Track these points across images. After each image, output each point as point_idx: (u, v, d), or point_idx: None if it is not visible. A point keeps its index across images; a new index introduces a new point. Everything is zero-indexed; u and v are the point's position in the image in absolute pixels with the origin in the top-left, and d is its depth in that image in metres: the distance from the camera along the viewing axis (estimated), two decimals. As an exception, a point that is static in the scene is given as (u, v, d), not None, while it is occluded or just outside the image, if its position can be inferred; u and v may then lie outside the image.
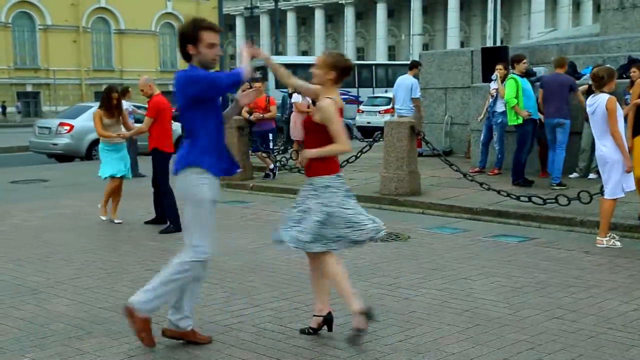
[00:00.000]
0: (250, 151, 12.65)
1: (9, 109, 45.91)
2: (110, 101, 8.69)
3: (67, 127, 17.33)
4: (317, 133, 4.31)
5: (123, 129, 8.76)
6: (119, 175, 8.76)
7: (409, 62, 15.03)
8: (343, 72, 4.34)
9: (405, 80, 13.65)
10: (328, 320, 4.49)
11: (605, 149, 6.89)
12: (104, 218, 8.77)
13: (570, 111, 9.80)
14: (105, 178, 8.83)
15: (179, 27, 4.28)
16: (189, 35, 4.15)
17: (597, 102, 6.89)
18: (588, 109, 7.06)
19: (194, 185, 4.21)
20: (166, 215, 8.26)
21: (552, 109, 9.79)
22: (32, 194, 11.31)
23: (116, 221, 8.65)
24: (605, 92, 6.91)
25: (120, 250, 7.23)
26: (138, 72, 50.44)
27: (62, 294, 5.53)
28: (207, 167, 4.21)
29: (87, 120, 16.57)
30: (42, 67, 49.39)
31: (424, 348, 4.28)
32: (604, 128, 6.88)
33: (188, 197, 4.29)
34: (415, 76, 13.78)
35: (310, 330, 4.50)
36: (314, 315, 4.53)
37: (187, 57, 4.21)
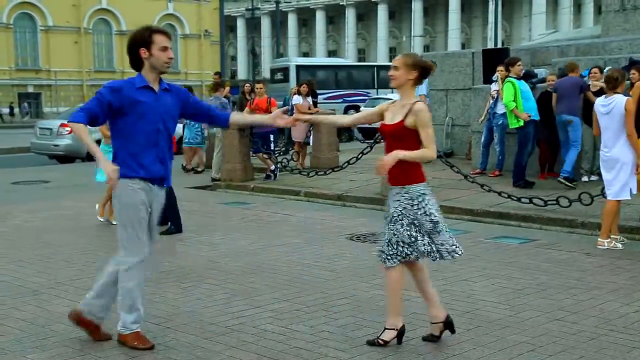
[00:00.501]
0: (251, 152, 12.66)
1: (6, 110, 45.95)
2: None
3: (68, 129, 17.33)
4: (406, 138, 4.16)
5: None
6: None
7: None
8: (424, 73, 4.24)
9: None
10: (449, 323, 4.37)
11: (617, 149, 6.89)
12: (101, 219, 8.76)
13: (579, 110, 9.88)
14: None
15: (130, 34, 4.32)
16: (142, 39, 4.17)
17: (614, 103, 6.91)
18: (602, 109, 7.05)
19: None
20: (167, 216, 8.25)
21: (562, 107, 9.89)
22: (34, 195, 11.31)
23: (114, 222, 8.62)
24: (619, 93, 6.95)
25: (121, 251, 7.22)
26: (139, 73, 50.65)
27: (63, 295, 5.53)
28: None
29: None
30: (44, 68, 49.42)
31: (425, 349, 4.28)
32: (620, 128, 6.89)
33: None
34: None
35: (434, 338, 4.37)
36: (432, 323, 4.40)
37: (138, 64, 4.24)
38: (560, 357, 4.14)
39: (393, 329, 4.29)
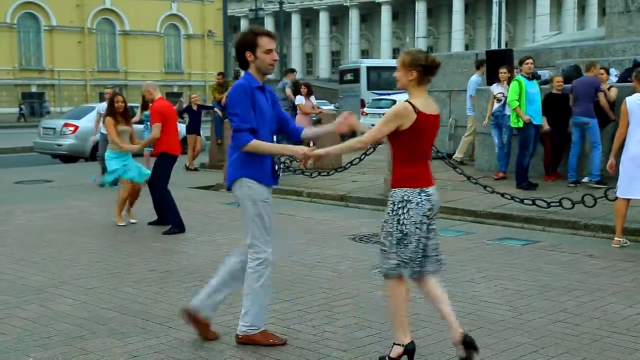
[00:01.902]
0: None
1: (14, 110, 46.01)
2: (113, 107, 8.64)
3: (72, 128, 17.37)
4: (393, 142, 3.94)
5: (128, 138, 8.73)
6: (127, 177, 8.58)
7: None
8: (426, 71, 3.90)
9: (471, 79, 13.18)
10: (467, 343, 3.85)
11: None
12: (121, 224, 8.56)
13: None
14: (105, 185, 8.80)
15: (237, 36, 4.43)
16: (248, 42, 4.23)
17: None
18: (633, 107, 7.04)
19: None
20: (167, 220, 8.25)
21: (578, 109, 9.88)
22: (37, 195, 11.33)
23: (133, 221, 8.67)
24: None
25: (124, 250, 7.24)
26: (142, 73, 50.65)
27: (66, 294, 5.54)
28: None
29: (91, 121, 16.61)
30: (47, 68, 49.53)
31: (427, 350, 4.28)
32: None
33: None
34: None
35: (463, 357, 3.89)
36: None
37: (244, 64, 4.30)
38: (562, 359, 4.14)
39: (400, 345, 3.98)
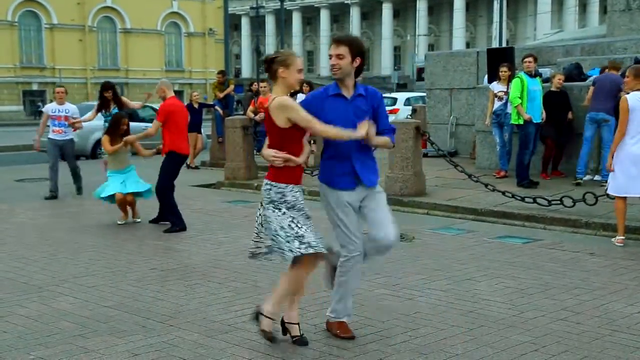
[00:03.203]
0: (255, 151, 12.67)
1: (15, 107, 45.98)
2: (117, 128, 8.66)
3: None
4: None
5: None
6: (117, 192, 8.47)
7: None
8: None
9: None
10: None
11: None
12: (120, 222, 8.58)
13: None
14: (100, 198, 8.62)
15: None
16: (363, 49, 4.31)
17: None
18: (634, 104, 7.03)
19: None
20: (166, 217, 8.24)
21: (600, 105, 9.77)
22: (38, 193, 11.33)
23: (138, 220, 8.66)
24: None
25: (125, 248, 7.24)
26: (143, 71, 50.68)
27: (67, 292, 5.55)
28: None
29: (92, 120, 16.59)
30: (48, 65, 49.51)
31: (428, 349, 4.28)
32: None
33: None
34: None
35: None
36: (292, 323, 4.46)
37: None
38: (563, 357, 4.14)
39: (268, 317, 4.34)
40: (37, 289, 5.66)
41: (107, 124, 9.49)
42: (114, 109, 10.17)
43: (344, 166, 4.30)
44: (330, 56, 4.25)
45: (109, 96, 10.38)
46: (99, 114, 10.71)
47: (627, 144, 7.04)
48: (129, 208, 8.67)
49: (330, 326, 4.53)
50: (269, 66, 4.22)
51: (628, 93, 7.16)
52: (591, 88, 10.04)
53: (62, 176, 11.08)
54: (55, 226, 8.43)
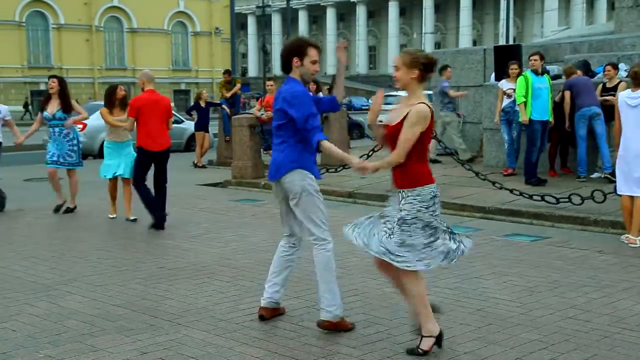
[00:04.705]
0: (262, 149, 12.68)
1: (18, 108, 46.05)
2: (113, 98, 8.88)
3: (80, 126, 17.37)
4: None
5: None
6: (110, 177, 8.75)
7: None
8: (426, 69, 4.03)
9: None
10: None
11: None
12: (111, 216, 8.82)
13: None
14: (106, 177, 8.81)
15: (287, 41, 4.73)
16: (297, 48, 4.51)
17: None
18: (631, 102, 7.02)
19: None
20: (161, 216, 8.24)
21: (588, 101, 9.86)
22: (46, 192, 11.35)
23: (131, 218, 8.64)
24: None
25: (133, 247, 7.26)
26: (150, 70, 50.82)
27: (75, 291, 5.56)
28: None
29: (100, 119, 16.63)
30: (56, 65, 49.65)
31: (435, 347, 4.26)
32: None
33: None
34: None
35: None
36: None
37: (288, 68, 4.57)
38: (573, 355, 4.12)
39: (430, 336, 4.12)
40: (46, 288, 5.68)
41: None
42: (57, 111, 9.10)
43: (313, 156, 4.61)
44: (316, 62, 4.57)
45: (53, 91, 9.18)
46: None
47: (621, 142, 7.12)
48: (124, 204, 8.70)
49: (335, 324, 4.53)
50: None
51: (634, 89, 7.15)
52: (567, 92, 10.11)
53: (67, 177, 11.05)
54: (63, 225, 8.46)
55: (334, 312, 4.49)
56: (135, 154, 8.47)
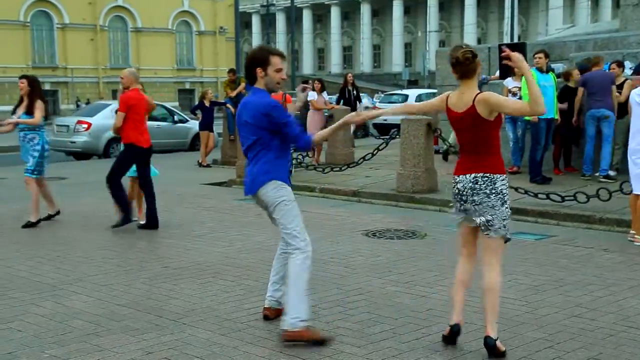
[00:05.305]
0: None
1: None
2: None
3: (85, 125, 17.46)
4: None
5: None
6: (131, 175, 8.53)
7: None
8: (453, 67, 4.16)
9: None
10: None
11: None
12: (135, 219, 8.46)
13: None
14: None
15: (250, 52, 4.65)
16: (259, 58, 4.44)
17: None
18: (633, 100, 6.99)
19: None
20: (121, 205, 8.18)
21: (598, 102, 9.80)
22: (51, 192, 11.37)
23: (141, 222, 8.45)
24: None
25: (138, 247, 7.27)
26: (155, 70, 50.73)
27: (80, 291, 5.57)
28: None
29: (104, 118, 16.69)
30: (60, 65, 49.74)
31: (442, 346, 4.26)
32: None
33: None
34: None
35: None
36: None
37: (252, 79, 4.51)
38: (578, 354, 4.11)
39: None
40: (51, 287, 5.69)
41: None
42: (22, 114, 8.44)
43: (286, 166, 4.60)
44: (280, 70, 4.47)
45: (23, 92, 8.57)
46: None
47: (631, 140, 7.08)
48: (135, 206, 8.54)
49: (300, 334, 4.29)
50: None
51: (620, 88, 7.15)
52: (580, 89, 10.06)
53: (76, 173, 11.09)
54: (68, 225, 8.47)
55: (295, 323, 4.27)
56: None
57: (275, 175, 4.46)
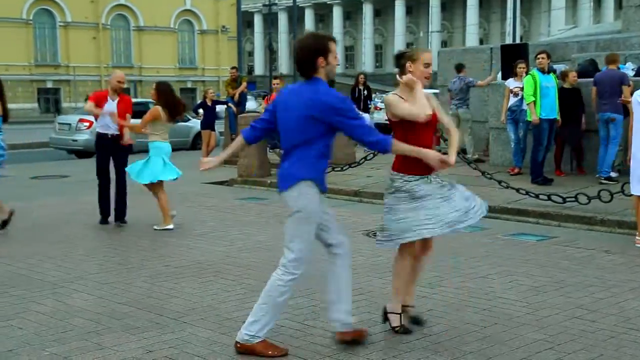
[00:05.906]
0: (268, 147, 12.68)
1: (29, 105, 46.20)
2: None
3: (87, 124, 17.45)
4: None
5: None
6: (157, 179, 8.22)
7: None
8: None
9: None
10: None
11: None
12: (170, 227, 8.10)
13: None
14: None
15: (301, 40, 4.13)
16: (320, 47, 4.01)
17: None
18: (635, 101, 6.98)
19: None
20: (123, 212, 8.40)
21: (607, 106, 9.76)
22: (53, 190, 11.40)
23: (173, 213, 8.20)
24: None
25: (139, 245, 7.27)
26: (157, 68, 50.77)
27: (81, 289, 5.57)
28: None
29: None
30: (63, 63, 49.77)
31: (442, 347, 4.26)
32: None
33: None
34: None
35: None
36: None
37: (308, 70, 4.03)
38: (579, 355, 4.11)
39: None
40: (52, 285, 5.69)
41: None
42: None
43: (326, 168, 4.21)
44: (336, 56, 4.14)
45: None
46: None
47: (634, 141, 7.05)
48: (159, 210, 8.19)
49: (252, 348, 4.11)
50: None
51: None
52: (593, 88, 10.03)
53: (78, 172, 11.10)
54: (70, 223, 8.47)
55: (248, 336, 4.09)
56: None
57: (312, 175, 4.06)
